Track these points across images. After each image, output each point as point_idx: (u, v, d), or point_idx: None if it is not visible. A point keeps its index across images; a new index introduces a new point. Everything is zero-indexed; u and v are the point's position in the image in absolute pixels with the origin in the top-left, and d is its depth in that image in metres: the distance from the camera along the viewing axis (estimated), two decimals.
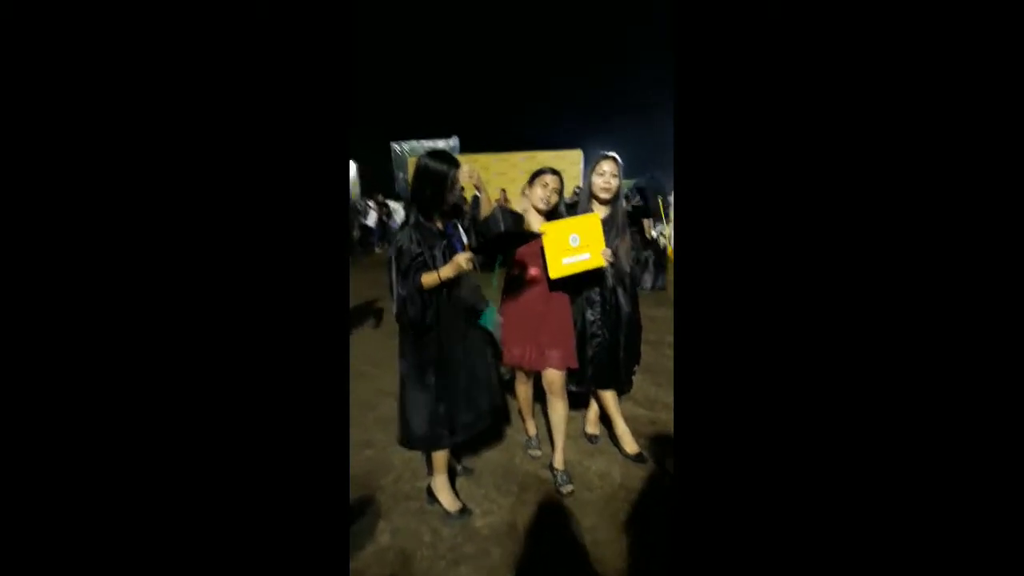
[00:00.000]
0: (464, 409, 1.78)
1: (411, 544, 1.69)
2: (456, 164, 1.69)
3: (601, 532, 1.74)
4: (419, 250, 1.64)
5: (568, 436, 2.38)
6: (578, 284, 2.02)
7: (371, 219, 10.75)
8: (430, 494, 1.90)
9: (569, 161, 12.04)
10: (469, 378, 1.80)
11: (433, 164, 1.66)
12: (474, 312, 1.80)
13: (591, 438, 2.38)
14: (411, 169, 13.35)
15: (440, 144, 14.19)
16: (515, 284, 1.99)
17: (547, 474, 2.08)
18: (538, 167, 2.02)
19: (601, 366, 2.15)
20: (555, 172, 1.99)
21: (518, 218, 1.99)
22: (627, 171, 2.13)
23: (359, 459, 2.23)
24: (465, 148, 14.22)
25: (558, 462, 2.07)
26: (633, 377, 2.29)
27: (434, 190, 1.67)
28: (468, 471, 2.10)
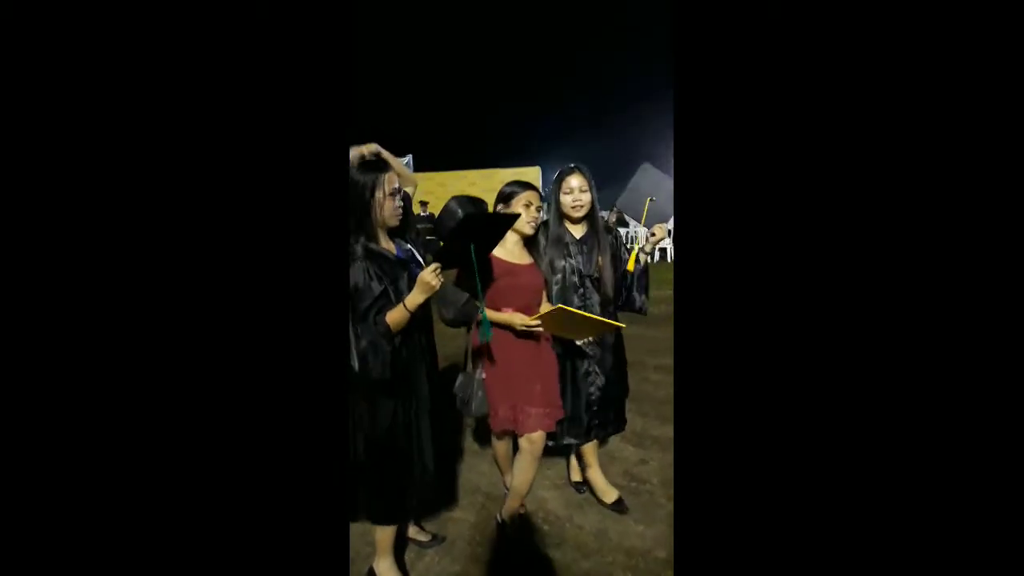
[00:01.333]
0: (432, 456, 1.48)
1: None
2: (385, 168, 1.39)
3: None
4: (381, 287, 1.31)
5: (555, 486, 2.10)
6: None
7: None
8: None
9: (528, 178, 11.95)
10: (431, 404, 1.49)
11: (356, 175, 1.35)
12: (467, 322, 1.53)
13: (578, 486, 2.09)
14: None
15: None
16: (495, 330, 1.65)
17: (533, 536, 1.76)
18: (498, 185, 1.73)
19: (601, 412, 1.89)
20: (531, 186, 1.71)
21: (479, 203, 1.67)
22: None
23: None
24: (420, 167, 13.89)
25: (507, 513, 1.80)
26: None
27: (363, 205, 1.35)
28: (439, 540, 1.76)
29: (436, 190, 12.17)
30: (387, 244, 1.41)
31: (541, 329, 1.58)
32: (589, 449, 1.98)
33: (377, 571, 1.53)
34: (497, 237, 1.47)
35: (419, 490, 1.47)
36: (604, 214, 1.96)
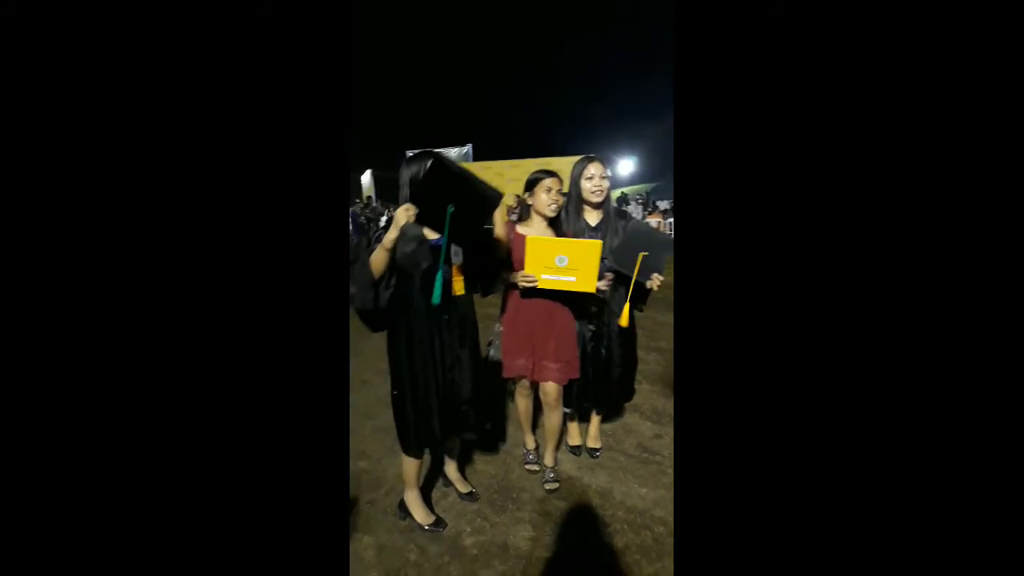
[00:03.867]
0: (443, 418, 1.68)
1: (396, 563, 1.62)
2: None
3: (595, 556, 1.64)
4: (376, 236, 1.50)
5: (572, 450, 2.30)
6: (579, 294, 1.89)
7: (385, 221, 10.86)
8: (402, 508, 1.83)
9: None
10: (448, 384, 1.67)
11: (406, 167, 1.54)
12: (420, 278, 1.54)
13: (575, 449, 2.30)
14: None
15: (453, 152, 14.22)
16: (515, 292, 1.90)
17: (544, 492, 1.99)
18: (558, 173, 1.92)
19: (596, 385, 2.12)
20: (553, 174, 1.88)
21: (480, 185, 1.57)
22: (647, 176, 2.00)
23: (352, 471, 2.17)
24: (479, 156, 14.25)
25: (548, 460, 2.10)
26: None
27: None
28: (473, 497, 1.96)
29: (494, 179, 12.44)
30: (424, 229, 1.61)
31: (534, 281, 1.76)
32: (595, 416, 2.32)
33: (406, 501, 1.81)
34: (478, 218, 1.46)
35: (460, 430, 1.75)
36: (638, 198, 2.10)
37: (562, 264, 1.73)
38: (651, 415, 2.65)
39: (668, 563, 1.59)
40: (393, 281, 1.54)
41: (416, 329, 1.61)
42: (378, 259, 1.47)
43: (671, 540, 1.69)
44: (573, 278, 1.75)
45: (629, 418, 2.61)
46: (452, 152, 13.98)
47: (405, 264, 1.49)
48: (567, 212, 1.98)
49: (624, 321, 1.93)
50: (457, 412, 1.71)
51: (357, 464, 2.22)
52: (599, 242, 1.72)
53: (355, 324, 1.60)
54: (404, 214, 1.36)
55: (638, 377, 3.13)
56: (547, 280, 1.76)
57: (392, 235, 1.41)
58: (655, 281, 1.93)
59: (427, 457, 1.92)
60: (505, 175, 12.78)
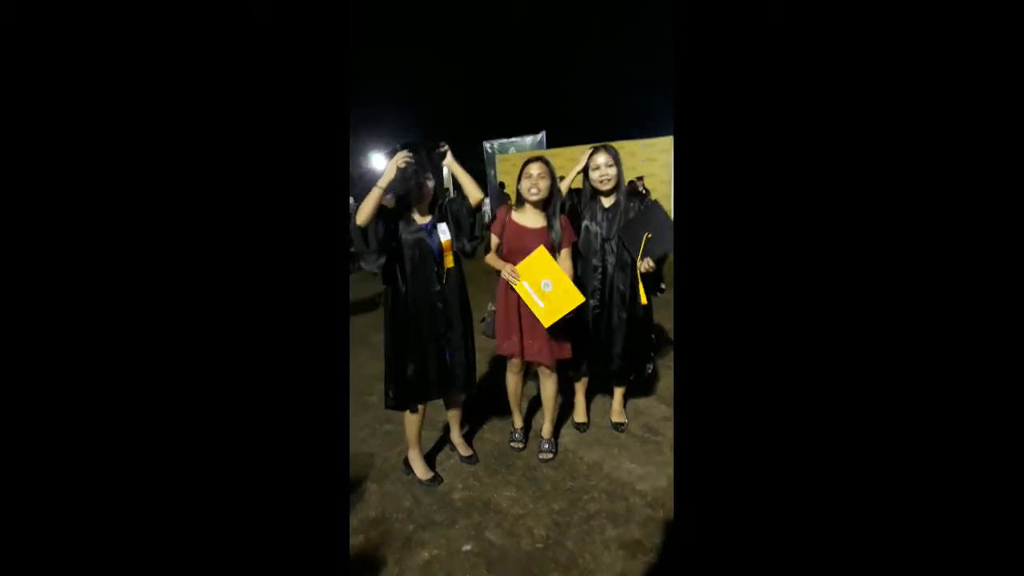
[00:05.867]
0: (435, 371, 1.90)
1: (392, 508, 1.87)
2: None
3: (565, 516, 1.77)
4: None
5: (574, 427, 2.42)
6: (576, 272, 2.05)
7: None
8: (406, 465, 2.07)
9: (659, 149, 11.55)
10: (440, 338, 1.90)
11: (401, 168, 1.77)
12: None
13: (580, 426, 2.40)
14: (499, 166, 13.39)
15: (528, 140, 14.38)
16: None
17: (537, 457, 2.14)
18: (627, 157, 2.02)
19: (596, 356, 2.20)
20: (541, 160, 1.98)
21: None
22: None
23: (378, 433, 2.47)
24: (553, 142, 14.25)
25: (545, 432, 2.21)
26: (647, 369, 2.30)
27: (405, 188, 1.81)
28: (473, 460, 2.15)
29: (566, 165, 12.45)
30: (419, 216, 1.87)
31: (516, 280, 1.91)
32: (617, 390, 2.42)
33: (409, 459, 2.06)
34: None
35: (457, 390, 2.00)
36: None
37: (546, 288, 1.87)
38: (667, 398, 2.67)
39: (631, 528, 1.69)
40: (381, 227, 1.76)
41: (413, 297, 1.85)
42: (369, 198, 1.71)
43: (644, 510, 1.77)
44: (542, 304, 1.88)
45: (644, 401, 2.66)
46: (527, 140, 14.16)
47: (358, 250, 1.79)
48: (582, 199, 2.14)
49: (643, 299, 2.09)
50: (450, 371, 1.95)
51: (383, 428, 2.52)
52: (582, 299, 1.88)
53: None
54: (400, 158, 1.73)
55: (667, 363, 3.14)
56: (524, 288, 1.90)
57: (388, 176, 1.73)
58: (645, 264, 2.00)
59: (434, 421, 2.17)
60: (576, 160, 12.69)
